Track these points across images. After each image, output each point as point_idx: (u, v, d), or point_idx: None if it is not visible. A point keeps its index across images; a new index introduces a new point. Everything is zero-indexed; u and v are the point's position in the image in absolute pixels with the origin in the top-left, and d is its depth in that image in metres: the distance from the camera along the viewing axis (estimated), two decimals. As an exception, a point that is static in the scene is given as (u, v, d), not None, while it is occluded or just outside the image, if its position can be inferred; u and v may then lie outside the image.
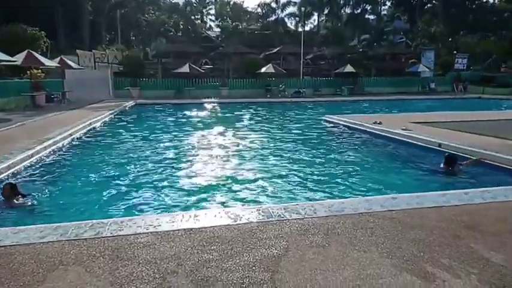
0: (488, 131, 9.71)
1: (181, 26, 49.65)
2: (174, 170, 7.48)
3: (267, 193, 6.02)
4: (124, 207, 5.36)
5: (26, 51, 17.51)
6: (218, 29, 52.71)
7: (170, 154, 9.10)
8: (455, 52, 36.22)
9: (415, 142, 9.13)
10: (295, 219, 3.93)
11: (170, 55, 36.79)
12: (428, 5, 49.07)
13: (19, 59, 16.84)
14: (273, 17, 49.22)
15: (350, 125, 12.43)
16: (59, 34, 42.27)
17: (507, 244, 3.37)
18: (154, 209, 5.28)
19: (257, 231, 3.63)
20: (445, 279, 2.77)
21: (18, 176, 6.64)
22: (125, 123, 15.21)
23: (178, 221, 3.87)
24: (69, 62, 22.25)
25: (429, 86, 31.47)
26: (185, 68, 28.02)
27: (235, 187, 6.33)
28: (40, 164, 7.59)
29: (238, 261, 3.05)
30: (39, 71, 19.84)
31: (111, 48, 38.55)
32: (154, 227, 3.72)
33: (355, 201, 4.58)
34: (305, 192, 5.98)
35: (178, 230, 3.66)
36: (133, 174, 7.09)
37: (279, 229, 3.68)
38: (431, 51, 35.69)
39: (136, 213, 5.10)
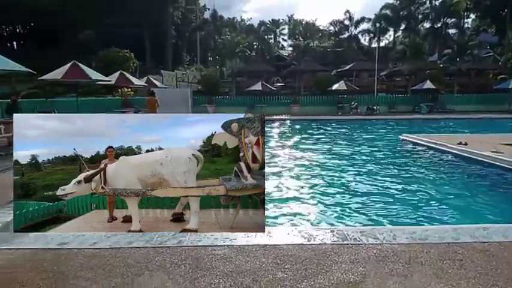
0: None
1: (255, 46, 51.45)
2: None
3: (343, 214, 5.86)
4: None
5: (118, 72, 19.59)
6: (290, 48, 53.52)
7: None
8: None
9: (508, 166, 8.19)
10: (372, 244, 3.75)
11: (244, 74, 38.24)
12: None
13: (113, 78, 18.90)
14: (346, 34, 48.54)
15: (430, 145, 11.60)
16: (145, 55, 46.68)
17: None
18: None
19: (332, 254, 3.54)
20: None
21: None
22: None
23: (253, 236, 3.93)
24: (155, 82, 24.31)
25: (522, 104, 28.20)
26: (257, 86, 28.93)
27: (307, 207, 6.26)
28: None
29: (312, 283, 3.00)
30: (129, 89, 22.00)
31: (191, 69, 41.31)
32: (231, 240, 3.84)
33: (440, 229, 4.22)
34: (386, 217, 5.67)
35: (253, 245, 3.72)
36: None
37: (355, 253, 3.54)
38: (525, 65, 32.06)
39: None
